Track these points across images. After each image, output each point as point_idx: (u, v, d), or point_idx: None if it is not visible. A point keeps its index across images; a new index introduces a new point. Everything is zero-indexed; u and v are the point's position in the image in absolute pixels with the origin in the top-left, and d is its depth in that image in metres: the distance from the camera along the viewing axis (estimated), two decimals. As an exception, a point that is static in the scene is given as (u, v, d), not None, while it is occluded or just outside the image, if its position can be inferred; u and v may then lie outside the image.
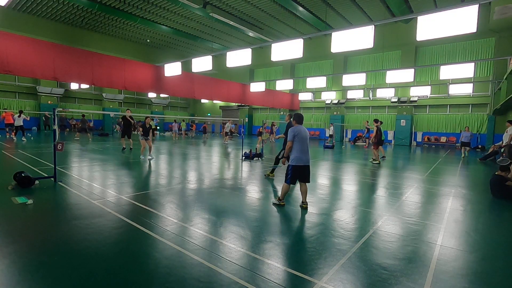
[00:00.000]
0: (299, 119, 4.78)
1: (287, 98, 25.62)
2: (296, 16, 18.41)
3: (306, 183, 4.73)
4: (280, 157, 6.43)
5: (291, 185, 4.72)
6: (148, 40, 25.00)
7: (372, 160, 10.80)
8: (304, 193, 4.72)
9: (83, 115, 18.41)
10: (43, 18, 20.47)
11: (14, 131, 14.59)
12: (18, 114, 14.40)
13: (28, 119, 15.73)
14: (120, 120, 12.51)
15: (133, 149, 11.95)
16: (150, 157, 9.68)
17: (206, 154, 12.34)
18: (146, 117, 9.83)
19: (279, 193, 4.98)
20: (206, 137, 22.95)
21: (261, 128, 16.11)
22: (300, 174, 4.66)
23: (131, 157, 9.91)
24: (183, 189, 5.80)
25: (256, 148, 11.81)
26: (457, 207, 5.01)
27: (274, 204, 4.82)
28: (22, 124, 14.32)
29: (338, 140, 23.40)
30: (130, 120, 11.94)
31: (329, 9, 17.47)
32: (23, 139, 13.87)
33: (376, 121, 11.22)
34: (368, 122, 20.41)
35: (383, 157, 11.81)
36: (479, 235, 3.80)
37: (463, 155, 13.10)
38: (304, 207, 4.63)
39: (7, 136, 15.69)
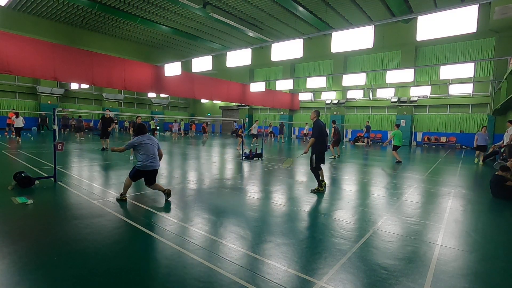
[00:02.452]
0: (142, 130, 4.87)
1: (287, 98, 25.63)
2: (296, 16, 18.41)
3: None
4: (314, 165, 5.86)
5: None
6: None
7: (332, 157, 11.38)
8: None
9: (80, 116, 18.70)
10: (43, 18, 20.46)
11: (14, 132, 14.29)
12: (15, 116, 14.08)
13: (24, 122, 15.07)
14: (101, 120, 12.14)
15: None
16: None
17: (206, 154, 12.34)
18: (137, 117, 9.72)
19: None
20: (205, 137, 22.94)
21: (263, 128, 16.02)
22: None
23: (128, 157, 9.90)
24: (183, 189, 5.80)
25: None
26: (457, 207, 5.01)
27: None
28: (22, 125, 14.03)
29: (338, 140, 23.36)
30: (110, 120, 11.77)
31: (329, 9, 17.46)
32: (18, 140, 13.60)
33: (333, 122, 12.02)
34: (369, 122, 20.53)
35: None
36: (479, 235, 3.80)
37: (479, 162, 10.96)
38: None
39: (7, 136, 15.66)
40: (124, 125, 29.34)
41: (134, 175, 4.72)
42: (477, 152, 11.28)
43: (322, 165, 6.07)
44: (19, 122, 13.82)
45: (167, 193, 4.86)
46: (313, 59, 24.84)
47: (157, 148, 4.85)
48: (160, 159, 4.93)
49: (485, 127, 11.66)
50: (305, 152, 6.09)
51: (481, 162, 10.91)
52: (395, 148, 10.99)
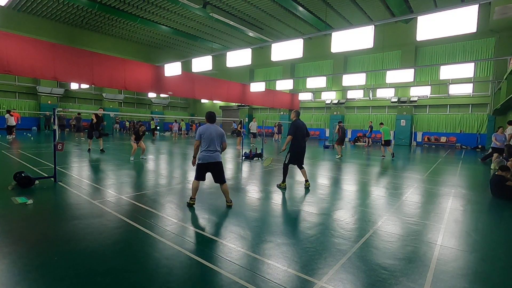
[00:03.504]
0: (210, 118, 4.68)
1: (287, 98, 25.61)
2: (296, 16, 18.40)
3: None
4: (287, 162, 6.05)
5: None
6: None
7: (339, 157, 11.77)
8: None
9: (79, 114, 18.57)
10: (43, 18, 20.45)
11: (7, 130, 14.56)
12: (8, 114, 14.15)
13: (20, 121, 15.17)
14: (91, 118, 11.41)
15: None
16: (144, 158, 9.76)
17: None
18: (140, 126, 9.73)
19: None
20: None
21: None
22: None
23: (129, 158, 9.91)
24: (183, 189, 5.80)
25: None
26: (457, 207, 5.02)
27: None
28: (13, 124, 14.08)
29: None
30: (98, 119, 11.16)
31: (329, 9, 17.46)
32: (7, 137, 13.76)
33: (339, 122, 12.48)
34: (372, 122, 20.60)
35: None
36: (479, 235, 3.80)
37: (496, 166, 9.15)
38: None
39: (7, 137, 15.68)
40: (125, 125, 29.32)
41: (196, 171, 4.53)
42: (494, 156, 9.91)
43: (304, 166, 6.27)
44: (12, 121, 13.85)
45: (229, 206, 4.65)
46: (313, 59, 24.83)
47: (217, 140, 4.52)
48: (221, 151, 4.66)
49: (502, 127, 10.40)
50: (283, 150, 6.12)
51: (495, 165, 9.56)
52: (388, 143, 12.11)
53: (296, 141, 5.99)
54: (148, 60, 24.14)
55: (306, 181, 6.16)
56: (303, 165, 6.20)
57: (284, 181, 6.12)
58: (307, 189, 6.03)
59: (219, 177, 4.58)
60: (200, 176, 4.54)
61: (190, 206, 4.57)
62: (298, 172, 8.10)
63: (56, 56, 12.08)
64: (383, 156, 12.40)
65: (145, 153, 10.21)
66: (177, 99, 35.33)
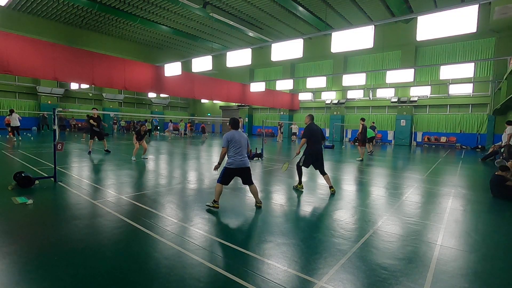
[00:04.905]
0: (234, 124, 4.69)
1: (287, 98, 25.62)
2: (296, 16, 18.40)
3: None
4: (301, 164, 5.92)
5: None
6: None
7: (360, 159, 11.11)
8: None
9: (88, 115, 18.54)
10: (43, 18, 20.45)
11: (11, 131, 14.51)
12: (9, 114, 14.00)
13: (20, 118, 15.03)
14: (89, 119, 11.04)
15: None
16: (145, 158, 9.84)
17: (206, 154, 12.34)
18: (142, 125, 9.93)
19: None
20: (205, 137, 23.01)
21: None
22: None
23: (128, 157, 9.91)
24: (183, 189, 5.81)
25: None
26: (457, 207, 5.01)
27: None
28: (18, 124, 13.95)
29: (338, 140, 23.45)
30: (94, 121, 10.87)
31: (329, 9, 17.46)
32: (14, 139, 13.78)
33: (362, 119, 11.99)
34: (374, 122, 20.60)
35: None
36: (479, 235, 3.80)
37: None
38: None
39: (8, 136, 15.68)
40: (121, 124, 29.20)
41: (224, 176, 4.53)
42: None
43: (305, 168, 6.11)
44: (15, 120, 13.77)
45: (258, 207, 4.66)
46: (313, 59, 24.83)
47: (245, 146, 4.58)
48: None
49: None
50: (297, 153, 6.03)
51: None
52: (368, 140, 12.75)
53: (310, 144, 5.89)
54: (148, 60, 24.13)
55: (331, 187, 5.78)
56: (325, 171, 5.89)
57: (300, 182, 6.04)
58: (332, 195, 5.65)
59: (249, 180, 4.66)
60: (227, 181, 4.57)
61: (215, 208, 4.48)
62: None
63: (56, 56, 12.08)
64: (370, 152, 13.25)
65: (146, 153, 10.21)
66: (177, 99, 35.33)
